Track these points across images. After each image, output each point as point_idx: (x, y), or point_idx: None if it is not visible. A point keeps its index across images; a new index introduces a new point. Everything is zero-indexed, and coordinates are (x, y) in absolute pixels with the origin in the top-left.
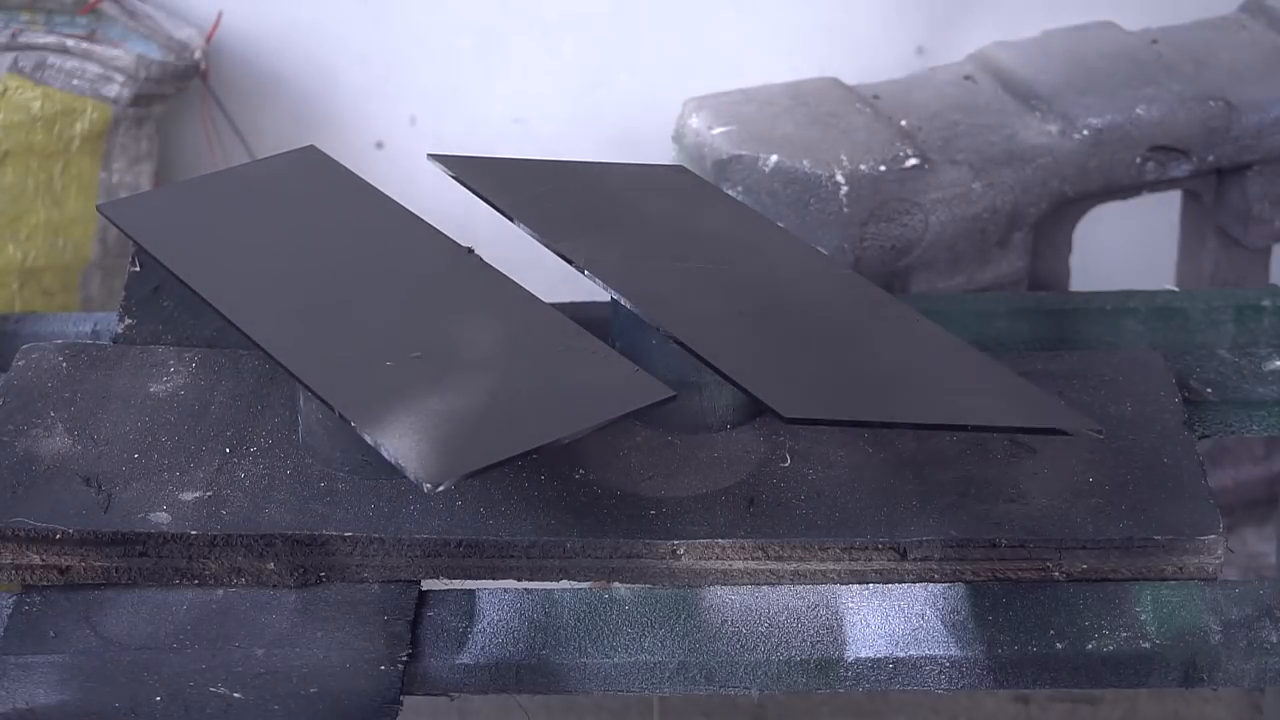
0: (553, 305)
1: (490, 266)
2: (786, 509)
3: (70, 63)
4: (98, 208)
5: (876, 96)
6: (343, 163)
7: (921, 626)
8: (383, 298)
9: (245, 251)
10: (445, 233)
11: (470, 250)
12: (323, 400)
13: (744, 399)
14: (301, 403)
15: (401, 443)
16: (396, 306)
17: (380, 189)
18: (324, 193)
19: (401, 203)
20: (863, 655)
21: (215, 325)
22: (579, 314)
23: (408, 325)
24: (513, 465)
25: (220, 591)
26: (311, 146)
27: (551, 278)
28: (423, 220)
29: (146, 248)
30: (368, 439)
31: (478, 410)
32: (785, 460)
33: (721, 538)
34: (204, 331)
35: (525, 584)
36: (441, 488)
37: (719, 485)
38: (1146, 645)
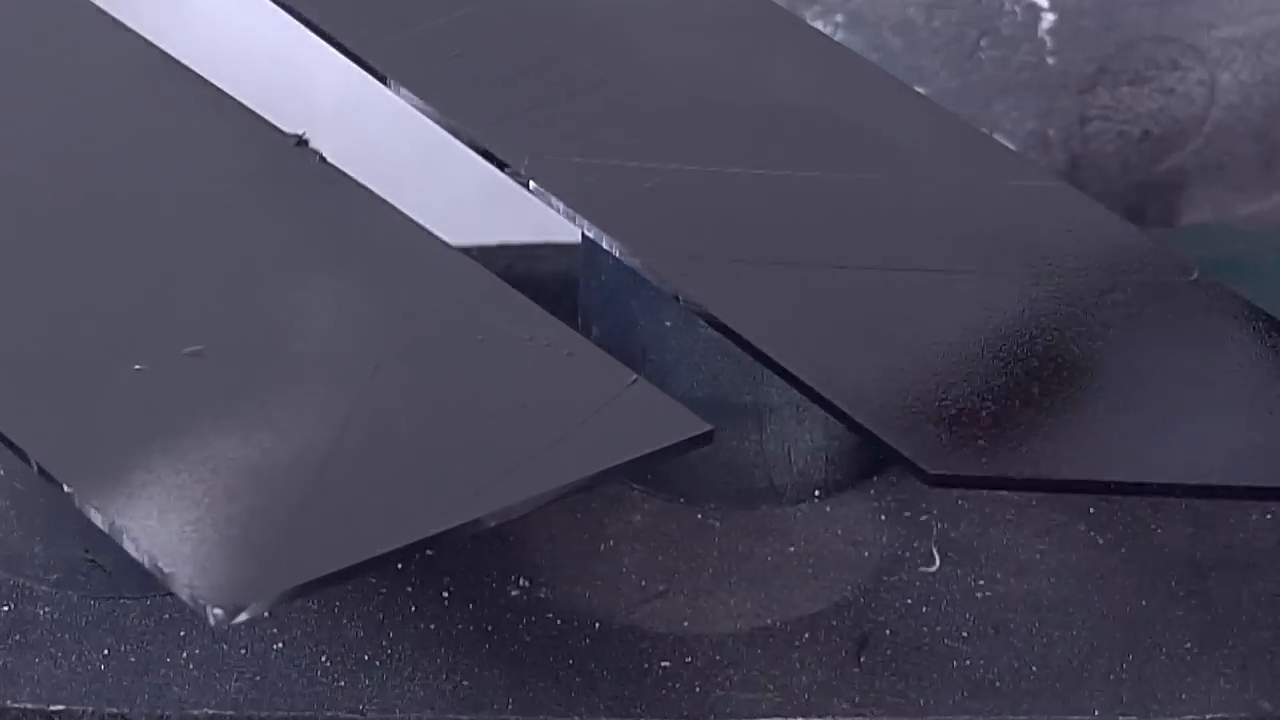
0: (464, 251)
1: (345, 176)
2: (931, 661)
3: None
4: None
5: None
6: None
7: None
8: (131, 234)
9: None
10: (255, 110)
11: (303, 141)
12: (8, 444)
13: (846, 438)
14: None
15: (163, 529)
16: (157, 252)
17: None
18: (32, 29)
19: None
20: None
21: None
22: (520, 268)
23: (179, 289)
24: (387, 571)
25: None
26: None
27: (469, 198)
28: (213, 84)
29: None
30: (97, 519)
31: (317, 462)
32: (933, 562)
33: (804, 718)
34: None
35: None
36: (243, 616)
37: (797, 611)
38: None
